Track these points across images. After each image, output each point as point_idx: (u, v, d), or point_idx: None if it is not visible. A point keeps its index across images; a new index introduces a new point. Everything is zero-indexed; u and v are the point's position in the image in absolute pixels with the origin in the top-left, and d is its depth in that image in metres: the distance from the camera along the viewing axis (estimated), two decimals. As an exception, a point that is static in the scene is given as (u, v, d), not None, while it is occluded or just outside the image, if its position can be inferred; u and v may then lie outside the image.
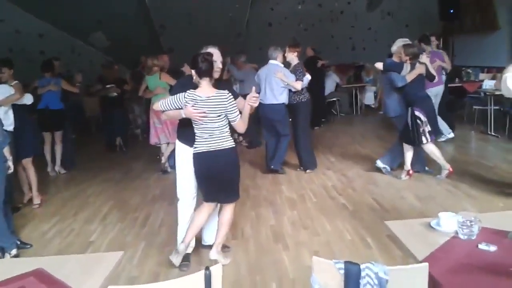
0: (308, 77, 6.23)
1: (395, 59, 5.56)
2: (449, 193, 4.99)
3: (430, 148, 5.39)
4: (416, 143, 5.34)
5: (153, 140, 6.71)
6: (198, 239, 3.96)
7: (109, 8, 11.25)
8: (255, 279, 3.45)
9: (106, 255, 2.35)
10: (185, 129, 3.56)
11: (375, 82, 11.37)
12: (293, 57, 6.24)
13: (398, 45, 5.52)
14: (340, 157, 6.96)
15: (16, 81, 5.37)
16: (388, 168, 5.83)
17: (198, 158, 3.47)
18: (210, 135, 3.40)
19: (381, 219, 4.24)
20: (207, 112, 3.33)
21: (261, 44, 12.54)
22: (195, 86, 3.46)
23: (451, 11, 11.22)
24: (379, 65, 5.52)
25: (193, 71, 3.43)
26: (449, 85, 9.19)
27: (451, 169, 5.43)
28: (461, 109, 9.41)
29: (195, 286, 1.79)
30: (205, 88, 3.39)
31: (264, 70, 6.33)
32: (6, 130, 4.54)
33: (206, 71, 3.36)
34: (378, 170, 5.86)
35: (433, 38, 7.44)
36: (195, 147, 3.46)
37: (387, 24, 12.82)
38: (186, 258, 3.71)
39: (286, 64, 6.33)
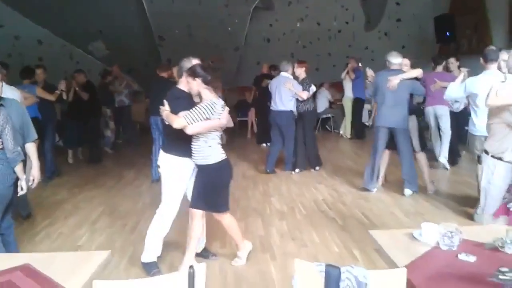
0: (313, 88, 7.06)
1: None
2: (438, 210, 5.05)
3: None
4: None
5: None
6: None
7: (110, 18, 11.38)
8: (241, 288, 3.47)
9: (93, 254, 2.37)
10: (180, 142, 3.53)
11: (370, 100, 11.44)
12: (301, 72, 7.04)
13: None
14: (332, 172, 7.01)
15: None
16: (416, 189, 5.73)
17: (227, 164, 3.61)
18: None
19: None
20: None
21: (259, 59, 12.73)
22: (187, 96, 3.55)
23: (448, 34, 11.41)
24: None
25: (197, 80, 3.42)
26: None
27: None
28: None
29: (179, 284, 1.82)
30: (215, 94, 3.52)
31: (275, 81, 7.19)
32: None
33: (211, 79, 3.47)
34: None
35: (452, 60, 7.50)
36: (221, 155, 3.55)
37: (384, 44, 12.96)
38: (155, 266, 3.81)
39: (295, 77, 7.06)
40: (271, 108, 7.17)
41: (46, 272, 2.11)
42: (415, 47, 12.23)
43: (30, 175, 3.60)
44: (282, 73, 7.08)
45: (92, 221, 5.13)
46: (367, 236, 4.21)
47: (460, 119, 7.07)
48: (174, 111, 3.43)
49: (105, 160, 8.56)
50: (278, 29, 13.00)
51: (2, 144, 3.26)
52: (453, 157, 7.26)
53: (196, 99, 3.58)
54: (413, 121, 5.70)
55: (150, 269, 3.76)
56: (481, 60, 4.64)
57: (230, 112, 3.62)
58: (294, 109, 6.95)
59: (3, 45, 11.41)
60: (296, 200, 5.68)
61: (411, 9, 12.77)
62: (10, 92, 4.64)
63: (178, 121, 3.34)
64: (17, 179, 3.42)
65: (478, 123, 4.58)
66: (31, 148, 3.72)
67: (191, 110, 3.34)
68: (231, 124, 3.77)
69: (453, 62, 7.50)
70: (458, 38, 11.32)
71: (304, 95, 6.84)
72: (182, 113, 3.36)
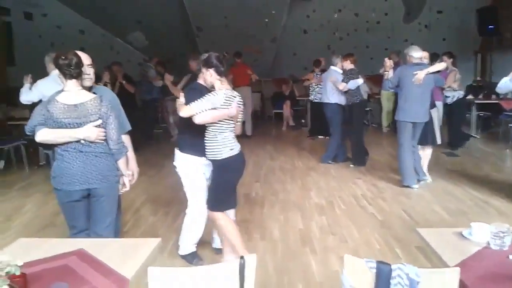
0: (359, 81, 6.99)
1: None
2: (480, 209, 4.95)
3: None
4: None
5: None
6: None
7: (149, 9, 11.55)
8: (282, 280, 3.50)
9: (145, 241, 2.45)
10: (195, 140, 3.46)
11: None
12: (347, 64, 7.13)
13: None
14: (370, 167, 6.95)
15: None
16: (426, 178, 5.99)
17: (235, 162, 3.43)
18: (234, 135, 3.45)
19: (411, 230, 4.23)
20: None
21: (295, 50, 12.71)
22: (204, 89, 3.45)
23: (490, 26, 11.07)
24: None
25: (210, 70, 3.37)
26: (485, 101, 9.14)
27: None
28: (497, 126, 9.26)
29: (230, 274, 1.87)
30: (228, 86, 3.44)
31: (325, 74, 7.67)
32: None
33: (224, 71, 3.43)
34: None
35: (445, 58, 7.53)
36: (229, 152, 3.37)
37: (424, 36, 12.70)
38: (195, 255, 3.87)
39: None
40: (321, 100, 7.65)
41: (99, 258, 2.19)
42: (456, 40, 11.95)
43: (127, 170, 3.25)
44: (332, 67, 7.46)
45: (136, 209, 5.27)
46: (409, 233, 4.22)
47: (455, 110, 7.87)
48: (188, 102, 3.31)
49: (145, 150, 8.70)
50: (315, 20, 12.89)
51: (105, 135, 2.91)
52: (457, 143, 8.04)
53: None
54: (434, 114, 5.93)
55: (192, 259, 3.83)
56: None
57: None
58: (339, 101, 7.17)
59: (46, 34, 11.80)
60: (335, 194, 5.67)
61: (453, 0, 12.42)
62: None
63: (186, 109, 3.23)
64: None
65: None
66: (125, 140, 3.32)
67: (199, 99, 3.23)
68: (238, 132, 3.62)
69: (446, 60, 7.49)
70: (501, 31, 10.97)
71: (341, 86, 6.97)
72: (192, 103, 3.25)
